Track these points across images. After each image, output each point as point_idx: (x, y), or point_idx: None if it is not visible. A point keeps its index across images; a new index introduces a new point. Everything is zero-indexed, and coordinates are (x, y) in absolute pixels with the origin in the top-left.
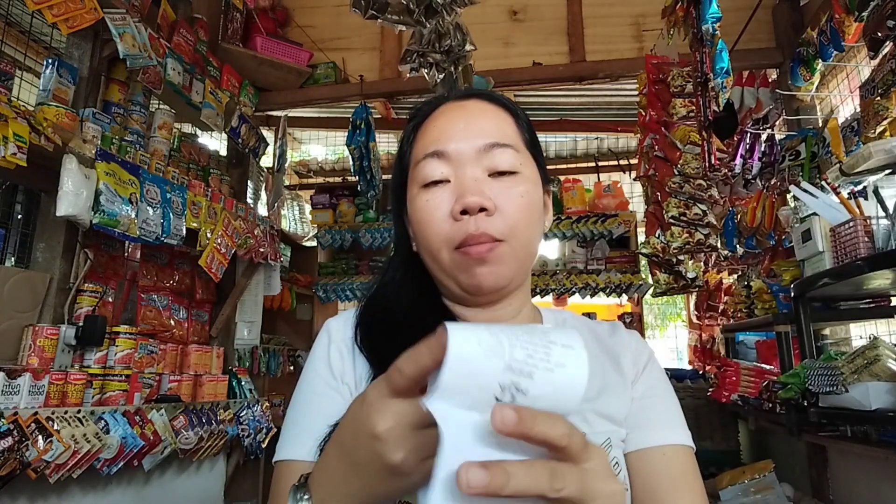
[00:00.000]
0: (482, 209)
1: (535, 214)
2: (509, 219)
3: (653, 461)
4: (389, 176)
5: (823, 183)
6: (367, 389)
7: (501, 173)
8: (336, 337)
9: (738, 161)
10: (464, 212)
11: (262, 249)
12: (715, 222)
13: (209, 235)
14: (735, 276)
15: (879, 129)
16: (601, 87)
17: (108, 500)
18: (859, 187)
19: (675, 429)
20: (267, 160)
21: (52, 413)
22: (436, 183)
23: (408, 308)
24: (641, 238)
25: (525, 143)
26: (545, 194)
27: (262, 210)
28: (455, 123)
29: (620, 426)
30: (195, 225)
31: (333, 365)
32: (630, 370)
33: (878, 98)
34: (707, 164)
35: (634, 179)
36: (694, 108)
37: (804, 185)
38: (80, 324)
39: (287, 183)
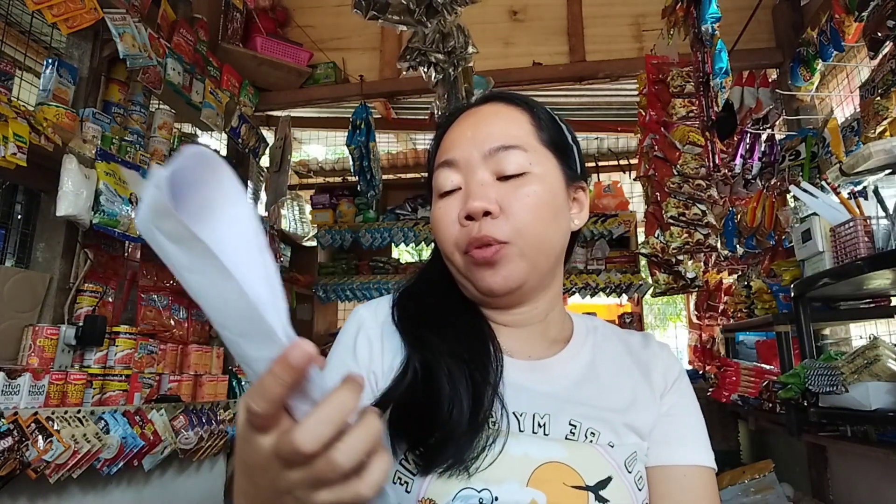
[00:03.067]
0: (486, 213)
1: (548, 213)
2: (515, 220)
3: (673, 480)
4: (389, 176)
5: (823, 183)
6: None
7: (509, 176)
8: (367, 324)
9: (738, 161)
10: (469, 217)
11: None
12: (714, 222)
13: None
14: (735, 276)
15: (879, 129)
16: (601, 87)
17: (108, 500)
18: (859, 187)
19: (699, 449)
20: (264, 160)
21: (52, 413)
22: (449, 192)
23: (440, 301)
24: (641, 238)
25: (541, 140)
26: (576, 190)
27: (262, 210)
28: (464, 131)
29: (644, 440)
30: None
31: (359, 354)
32: (659, 383)
33: (878, 98)
34: (711, 165)
35: (634, 179)
36: (693, 108)
37: (804, 185)
38: (80, 324)
39: (288, 183)
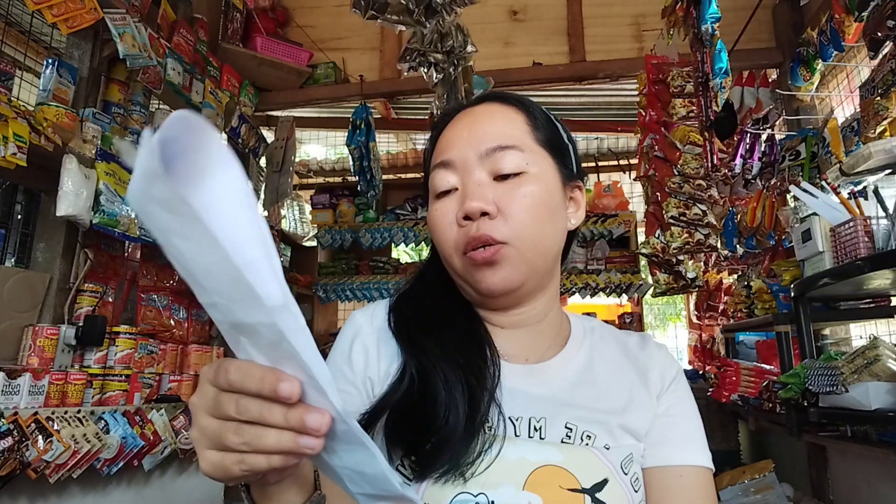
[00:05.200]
0: (484, 213)
1: (545, 213)
2: (513, 220)
3: (669, 481)
4: (389, 176)
5: (823, 183)
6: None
7: (506, 176)
8: (363, 330)
9: (738, 161)
10: (467, 217)
11: None
12: (715, 222)
13: None
14: (735, 276)
15: (879, 129)
16: (601, 87)
17: (108, 500)
18: (859, 187)
19: (695, 449)
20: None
21: (52, 413)
22: (446, 192)
23: (438, 305)
24: (641, 238)
25: (537, 140)
26: (573, 190)
27: (261, 210)
28: (460, 132)
29: (641, 441)
30: None
31: (354, 360)
32: (656, 384)
33: (878, 98)
34: (709, 165)
35: (634, 179)
36: (693, 108)
37: (804, 185)
38: (80, 324)
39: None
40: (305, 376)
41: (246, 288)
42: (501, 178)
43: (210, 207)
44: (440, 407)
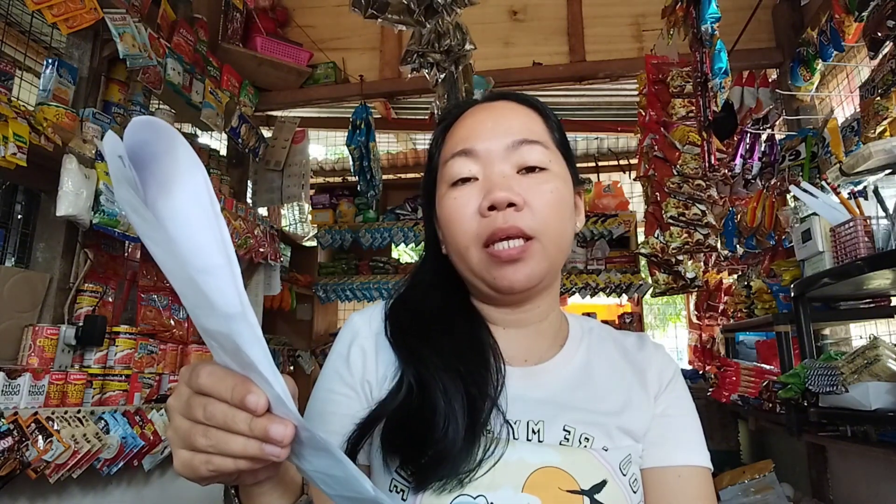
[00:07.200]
0: (511, 204)
1: (565, 212)
2: (539, 214)
3: (668, 482)
4: (389, 176)
5: (823, 183)
6: None
7: (531, 169)
8: (361, 333)
9: (738, 161)
10: (492, 207)
11: (262, 249)
12: (714, 222)
13: None
14: (735, 276)
15: (879, 129)
16: (601, 87)
17: (108, 500)
18: (859, 187)
19: (694, 450)
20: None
21: (52, 413)
22: (464, 181)
23: (436, 309)
24: (641, 238)
25: (555, 142)
26: (576, 195)
27: (263, 210)
28: (483, 123)
29: (639, 442)
30: None
31: (352, 364)
32: (654, 385)
33: (878, 98)
34: (707, 165)
35: (634, 179)
36: (693, 108)
37: (804, 185)
38: (80, 324)
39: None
40: (265, 384)
41: (202, 294)
42: (525, 171)
43: (175, 213)
44: (439, 417)
